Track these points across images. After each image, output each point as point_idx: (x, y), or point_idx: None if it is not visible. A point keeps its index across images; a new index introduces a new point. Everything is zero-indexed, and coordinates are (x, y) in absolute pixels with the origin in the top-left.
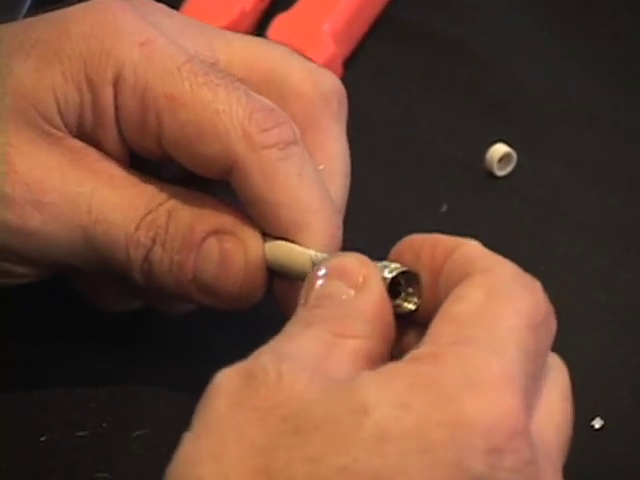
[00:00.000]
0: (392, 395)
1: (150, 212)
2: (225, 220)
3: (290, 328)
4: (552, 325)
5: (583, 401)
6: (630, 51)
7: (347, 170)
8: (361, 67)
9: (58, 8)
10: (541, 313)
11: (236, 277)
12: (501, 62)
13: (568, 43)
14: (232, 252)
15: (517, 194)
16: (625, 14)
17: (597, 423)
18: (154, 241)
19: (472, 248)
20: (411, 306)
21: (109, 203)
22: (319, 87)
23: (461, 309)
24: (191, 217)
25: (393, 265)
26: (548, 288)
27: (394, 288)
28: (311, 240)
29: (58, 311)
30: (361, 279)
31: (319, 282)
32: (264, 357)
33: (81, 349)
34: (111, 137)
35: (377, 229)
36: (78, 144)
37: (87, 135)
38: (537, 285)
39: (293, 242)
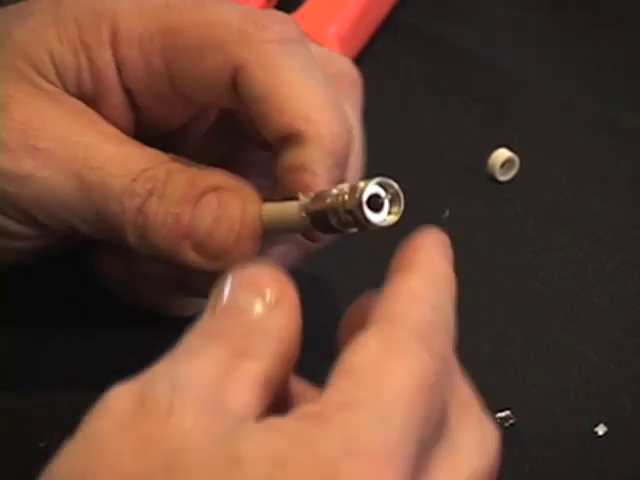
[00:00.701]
0: (269, 451)
1: (149, 168)
2: (225, 179)
3: (192, 341)
4: (447, 382)
5: (586, 408)
6: (632, 53)
7: (361, 150)
8: (366, 70)
9: None
10: (435, 373)
11: (232, 228)
12: (503, 66)
13: (570, 45)
14: (230, 204)
15: (519, 199)
16: (626, 14)
17: (601, 430)
18: (150, 193)
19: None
20: (394, 217)
21: (107, 154)
22: (328, 69)
23: (356, 361)
24: (191, 175)
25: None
26: (549, 293)
27: (375, 201)
28: (315, 136)
29: (58, 312)
30: (274, 296)
31: (227, 290)
32: (158, 385)
33: (81, 349)
34: (113, 102)
35: (378, 234)
36: (79, 103)
37: (87, 101)
38: (440, 339)
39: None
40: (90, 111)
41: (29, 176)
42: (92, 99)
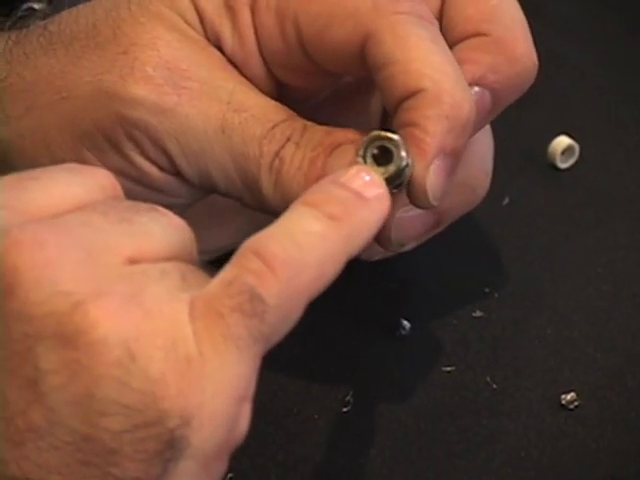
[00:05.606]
0: None
1: (289, 119)
2: (361, 134)
3: None
4: None
5: None
6: None
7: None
8: None
9: None
10: None
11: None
12: (562, 55)
13: (631, 34)
14: None
15: (580, 186)
16: None
17: None
18: (288, 139)
19: None
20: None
21: (251, 100)
22: None
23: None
24: (328, 129)
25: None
26: (612, 278)
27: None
28: (435, 96)
29: None
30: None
31: None
32: None
33: None
34: (254, 65)
35: None
36: (222, 56)
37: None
38: None
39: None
40: (231, 65)
41: (172, 110)
42: (231, 61)
